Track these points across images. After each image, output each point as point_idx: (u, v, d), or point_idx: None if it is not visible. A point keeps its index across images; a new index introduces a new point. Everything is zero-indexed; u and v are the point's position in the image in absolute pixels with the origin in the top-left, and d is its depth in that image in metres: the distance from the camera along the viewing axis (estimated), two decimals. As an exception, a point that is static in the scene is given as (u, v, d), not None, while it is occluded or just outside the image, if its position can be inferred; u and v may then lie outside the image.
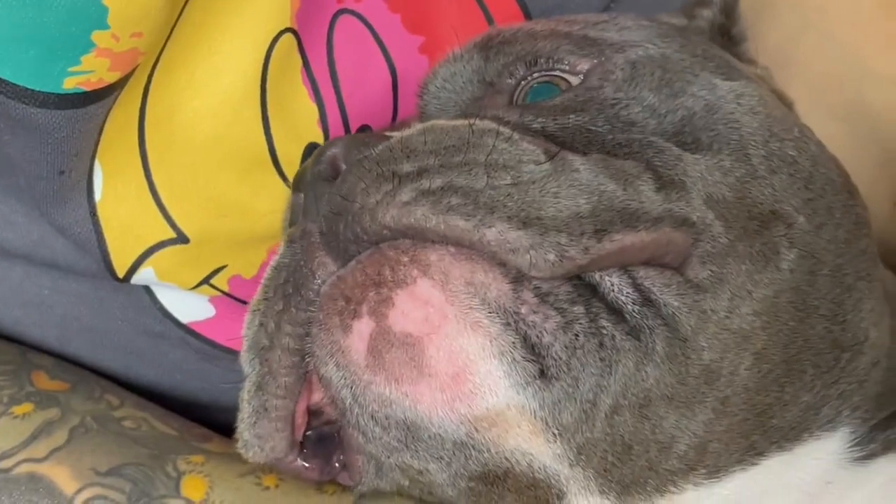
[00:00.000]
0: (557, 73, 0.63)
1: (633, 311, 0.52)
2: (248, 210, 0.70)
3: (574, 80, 0.63)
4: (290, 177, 0.69)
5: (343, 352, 0.53)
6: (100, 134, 0.65)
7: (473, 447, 0.53)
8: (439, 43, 0.72)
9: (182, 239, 0.69)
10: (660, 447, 0.54)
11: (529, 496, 0.55)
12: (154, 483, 0.64)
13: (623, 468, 0.54)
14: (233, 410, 0.59)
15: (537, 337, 0.51)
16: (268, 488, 0.65)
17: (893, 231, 0.84)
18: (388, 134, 0.57)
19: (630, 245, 0.52)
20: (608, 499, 0.55)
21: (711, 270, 0.54)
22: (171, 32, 0.65)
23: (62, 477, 0.64)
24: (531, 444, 0.53)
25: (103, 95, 0.62)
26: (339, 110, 0.71)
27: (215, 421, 0.72)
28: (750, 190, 0.57)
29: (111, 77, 0.61)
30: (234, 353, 0.60)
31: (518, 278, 0.52)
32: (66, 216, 0.67)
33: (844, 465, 0.59)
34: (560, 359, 0.51)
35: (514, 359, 0.51)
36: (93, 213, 0.67)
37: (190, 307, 0.74)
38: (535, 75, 0.63)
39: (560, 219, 0.51)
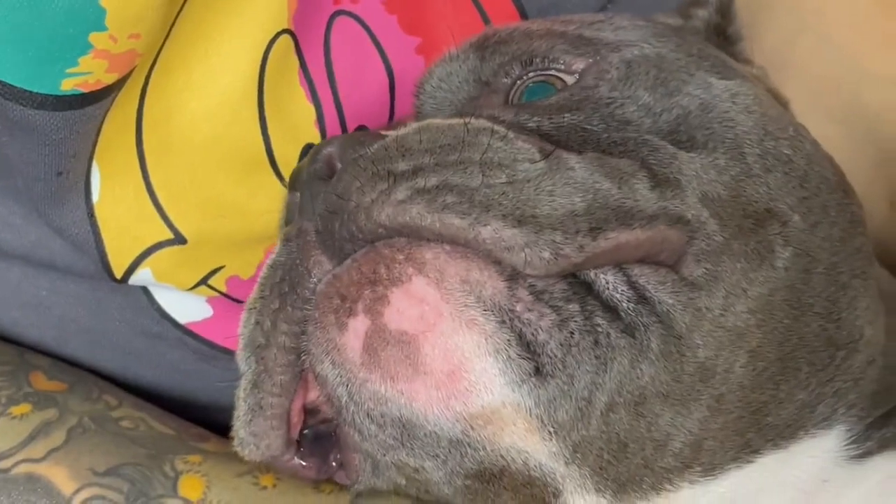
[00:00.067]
0: (553, 72, 0.63)
1: (628, 309, 0.52)
2: (245, 211, 0.70)
3: (570, 80, 0.63)
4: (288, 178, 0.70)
5: (338, 350, 0.53)
6: (97, 135, 0.65)
7: (469, 445, 0.53)
8: (436, 44, 0.72)
9: (180, 240, 0.69)
10: (655, 445, 0.54)
11: (525, 494, 0.55)
12: (152, 483, 0.64)
13: (619, 466, 0.54)
14: (231, 410, 0.59)
15: (532, 335, 0.51)
16: (265, 488, 0.65)
17: (891, 231, 0.84)
18: (383, 133, 0.57)
19: (625, 243, 0.52)
20: (604, 497, 0.55)
21: (706, 268, 0.54)
22: (168, 34, 0.65)
23: (60, 477, 0.64)
24: (527, 442, 0.53)
25: (101, 97, 0.62)
26: (337, 111, 0.72)
27: (213, 421, 0.72)
28: (745, 188, 0.57)
29: (109, 78, 0.61)
30: (232, 354, 0.60)
31: (513, 276, 0.52)
32: (64, 217, 0.67)
33: (840, 463, 0.59)
34: (555, 356, 0.51)
35: (510, 356, 0.51)
36: (90, 214, 0.67)
37: (188, 308, 0.74)
38: (531, 75, 0.63)
39: (555, 217, 0.51)
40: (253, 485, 0.65)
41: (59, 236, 0.68)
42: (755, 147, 0.58)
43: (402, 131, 0.56)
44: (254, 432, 0.58)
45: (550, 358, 0.51)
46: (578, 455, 0.53)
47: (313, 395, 0.58)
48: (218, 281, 0.72)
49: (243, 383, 0.58)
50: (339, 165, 0.56)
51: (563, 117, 0.59)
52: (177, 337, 0.75)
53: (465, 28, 0.72)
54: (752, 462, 0.57)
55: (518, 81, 0.64)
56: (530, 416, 0.52)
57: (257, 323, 0.57)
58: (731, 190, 0.56)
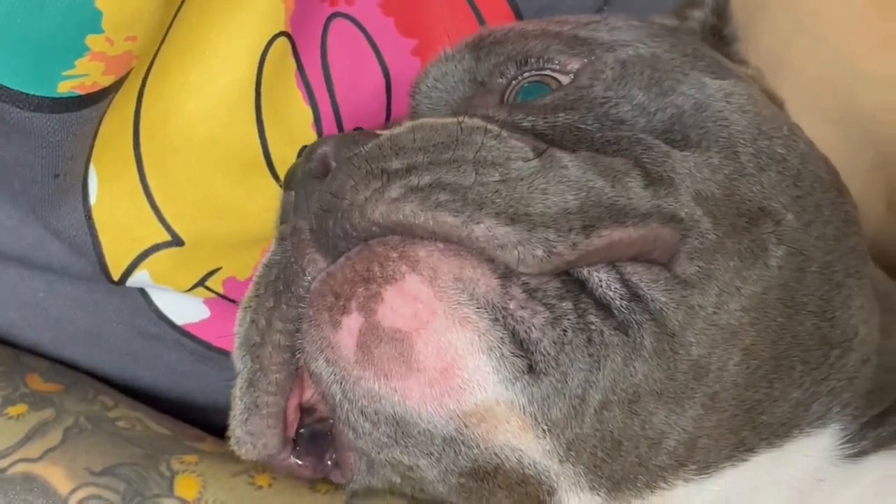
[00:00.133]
0: (548, 72, 0.63)
1: (621, 307, 0.52)
2: (242, 213, 0.70)
3: (564, 80, 0.63)
4: (284, 178, 0.70)
5: (332, 347, 0.53)
6: (94, 137, 0.66)
7: (463, 443, 0.53)
8: (432, 45, 0.72)
9: (177, 242, 0.69)
10: (649, 443, 0.54)
11: (520, 492, 0.55)
12: (148, 483, 0.64)
13: (613, 464, 0.54)
14: (228, 411, 0.59)
15: (526, 332, 0.51)
16: (261, 487, 0.65)
17: (888, 233, 0.84)
18: (377, 132, 0.57)
19: (618, 240, 0.52)
20: (598, 495, 0.55)
21: (699, 266, 0.54)
22: (165, 36, 0.65)
23: (57, 477, 0.64)
24: (521, 440, 0.53)
25: (98, 99, 0.62)
26: (334, 113, 0.72)
27: (211, 422, 0.72)
28: (738, 187, 0.57)
29: (106, 81, 0.62)
30: (229, 355, 0.60)
31: (506, 274, 0.52)
32: (61, 219, 0.67)
33: (835, 463, 0.59)
34: (548, 354, 0.51)
35: (503, 354, 0.51)
36: (88, 216, 0.67)
37: (185, 309, 0.74)
38: (526, 75, 0.63)
39: (548, 215, 0.51)
40: (249, 484, 0.65)
41: (57, 238, 0.69)
42: (749, 146, 0.58)
43: (395, 130, 0.56)
44: (250, 431, 0.58)
45: (544, 356, 0.51)
46: (572, 453, 0.53)
47: (309, 393, 0.58)
48: (215, 282, 0.72)
49: (239, 382, 0.58)
50: (333, 164, 0.56)
51: (558, 117, 0.59)
52: (174, 338, 0.75)
53: (460, 29, 0.72)
54: (746, 460, 0.57)
55: (513, 81, 0.64)
56: (524, 413, 0.52)
57: (252, 321, 0.57)
58: (724, 188, 0.56)
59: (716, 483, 0.57)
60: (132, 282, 0.70)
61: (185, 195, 0.69)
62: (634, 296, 0.52)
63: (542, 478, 0.54)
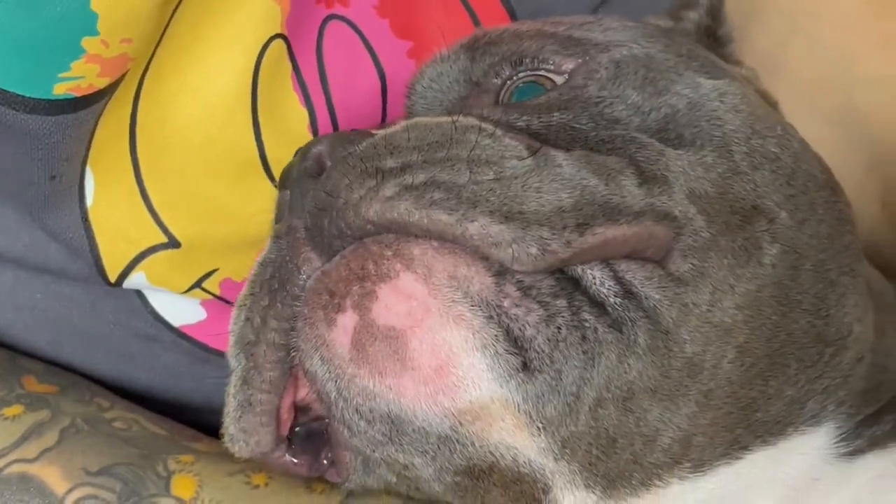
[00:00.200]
0: (542, 72, 0.63)
1: (615, 304, 0.52)
2: (239, 214, 0.70)
3: (559, 80, 0.63)
4: (280, 178, 0.70)
5: (327, 345, 0.53)
6: (91, 139, 0.66)
7: (458, 441, 0.53)
8: (427, 47, 0.72)
9: (173, 243, 0.70)
10: (644, 440, 0.54)
11: (515, 491, 0.55)
12: (144, 482, 0.64)
13: (608, 462, 0.54)
14: (225, 411, 0.60)
15: (520, 330, 0.51)
16: (257, 487, 0.65)
17: (883, 233, 0.84)
18: (372, 131, 0.57)
19: (612, 238, 0.52)
20: (594, 493, 0.55)
21: (693, 264, 0.54)
22: (161, 39, 0.65)
23: (53, 477, 0.64)
24: (515, 438, 0.53)
25: (93, 101, 0.63)
26: (329, 115, 0.72)
27: (208, 423, 0.72)
28: (732, 185, 0.57)
29: (101, 83, 0.62)
30: (226, 356, 0.60)
31: (501, 272, 0.52)
32: (58, 221, 0.67)
33: (831, 461, 0.59)
34: (543, 352, 0.51)
35: (497, 352, 0.51)
36: (84, 218, 0.68)
37: (181, 311, 0.74)
38: (521, 75, 0.64)
39: (542, 213, 0.51)
40: (245, 484, 0.65)
41: (53, 240, 0.69)
42: (742, 145, 0.59)
43: (390, 129, 0.56)
44: (243, 428, 0.58)
45: (538, 353, 0.51)
46: (567, 451, 0.53)
47: (304, 392, 0.58)
48: (212, 284, 0.72)
49: (233, 380, 0.58)
50: (328, 163, 0.56)
51: (552, 116, 0.59)
52: (171, 340, 0.75)
53: (455, 30, 0.72)
54: (741, 458, 0.57)
55: (508, 82, 0.64)
56: (518, 411, 0.52)
57: (247, 319, 0.57)
58: (718, 187, 0.56)
59: (711, 481, 0.57)
60: (129, 283, 0.70)
61: (181, 197, 0.69)
62: (628, 293, 0.53)
63: (537, 476, 0.54)
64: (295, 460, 0.60)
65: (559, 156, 0.54)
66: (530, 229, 0.51)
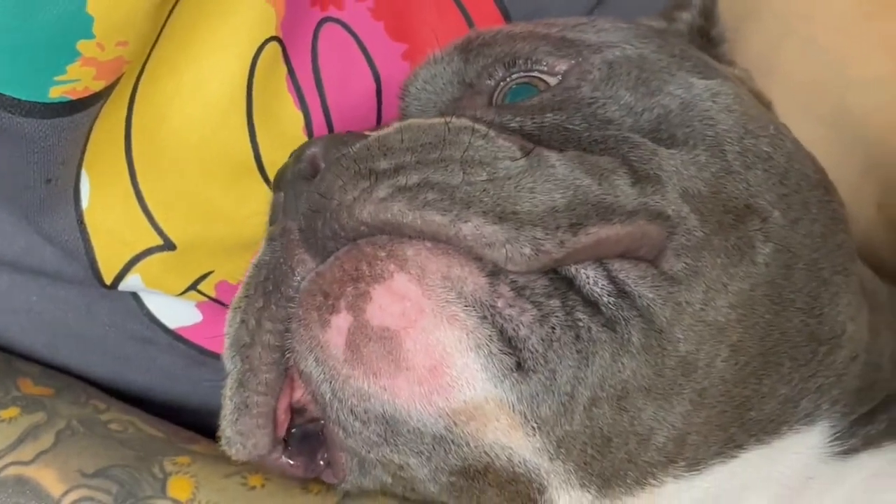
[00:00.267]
0: (536, 73, 0.63)
1: (609, 303, 0.52)
2: (234, 217, 0.70)
3: (552, 81, 0.63)
4: (274, 180, 0.70)
5: (322, 347, 0.53)
6: (86, 142, 0.66)
7: (452, 441, 0.53)
8: (422, 49, 0.72)
9: (169, 246, 0.70)
10: (639, 439, 0.54)
11: (511, 491, 0.55)
12: (140, 484, 0.64)
13: (603, 461, 0.54)
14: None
15: (514, 330, 0.52)
16: (254, 488, 0.65)
17: (879, 235, 0.84)
18: (366, 133, 0.57)
19: (605, 238, 0.52)
20: (589, 492, 0.55)
21: (686, 263, 0.54)
22: (156, 41, 0.66)
23: (49, 479, 0.64)
24: (510, 438, 0.53)
25: (89, 104, 0.63)
26: (324, 117, 0.72)
27: (205, 425, 0.72)
28: (725, 185, 0.57)
29: (97, 86, 0.62)
30: (221, 357, 0.60)
31: (494, 272, 0.52)
32: (54, 224, 0.67)
33: (825, 460, 0.60)
34: (537, 351, 0.51)
35: (491, 352, 0.51)
36: (80, 220, 0.68)
37: (177, 313, 0.74)
38: (514, 76, 0.64)
39: (536, 213, 0.52)
40: (241, 485, 0.65)
41: (49, 243, 0.69)
42: (735, 144, 0.59)
43: (383, 131, 0.57)
44: (240, 431, 0.58)
45: (532, 353, 0.51)
46: (562, 450, 0.53)
47: (299, 393, 0.58)
48: (207, 286, 0.72)
49: (229, 382, 0.58)
50: (322, 165, 0.56)
51: (546, 117, 0.59)
52: (167, 342, 0.75)
53: (449, 32, 0.72)
54: (735, 457, 0.57)
55: (501, 83, 0.64)
56: (513, 411, 0.52)
57: (242, 322, 0.57)
58: (711, 186, 0.57)
59: (705, 480, 0.57)
60: (124, 286, 0.70)
61: (176, 199, 0.69)
62: (622, 292, 0.53)
63: (533, 476, 0.54)
64: (291, 462, 0.60)
65: (552, 156, 0.54)
66: (524, 229, 0.51)
